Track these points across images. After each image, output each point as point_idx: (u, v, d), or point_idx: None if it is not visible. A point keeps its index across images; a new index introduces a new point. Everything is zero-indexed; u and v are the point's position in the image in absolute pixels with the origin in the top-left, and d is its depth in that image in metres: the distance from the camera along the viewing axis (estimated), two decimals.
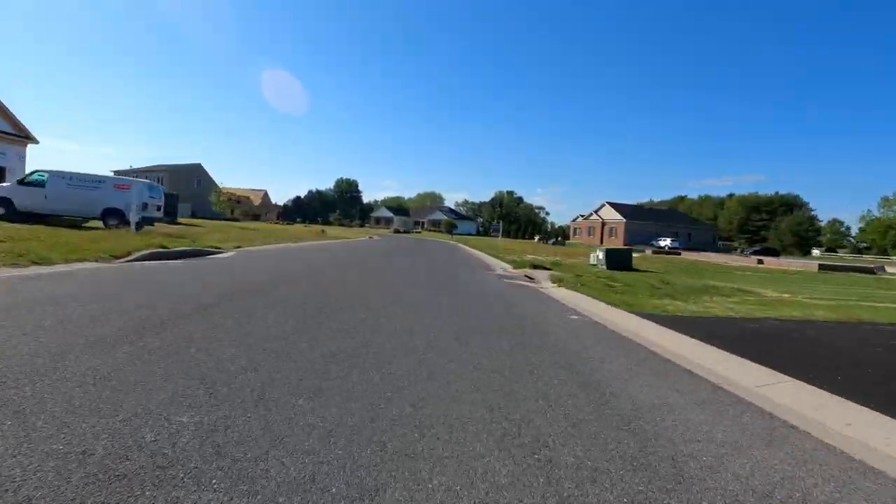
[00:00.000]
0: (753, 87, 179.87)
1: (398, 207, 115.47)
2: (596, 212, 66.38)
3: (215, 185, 61.31)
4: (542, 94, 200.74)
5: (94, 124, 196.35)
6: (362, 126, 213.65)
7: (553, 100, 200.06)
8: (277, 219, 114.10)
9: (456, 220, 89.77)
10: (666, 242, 55.49)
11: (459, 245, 37.51)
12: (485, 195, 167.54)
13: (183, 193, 52.38)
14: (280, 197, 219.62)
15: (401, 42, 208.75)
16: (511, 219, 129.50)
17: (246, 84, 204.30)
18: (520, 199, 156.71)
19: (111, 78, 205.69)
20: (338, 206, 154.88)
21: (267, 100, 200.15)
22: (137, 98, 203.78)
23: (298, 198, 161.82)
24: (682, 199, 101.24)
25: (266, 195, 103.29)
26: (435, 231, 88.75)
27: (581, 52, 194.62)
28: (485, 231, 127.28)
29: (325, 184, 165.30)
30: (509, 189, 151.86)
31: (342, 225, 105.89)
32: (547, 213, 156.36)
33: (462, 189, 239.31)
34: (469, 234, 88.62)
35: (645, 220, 62.42)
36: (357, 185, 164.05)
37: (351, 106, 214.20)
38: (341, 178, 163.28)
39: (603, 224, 63.80)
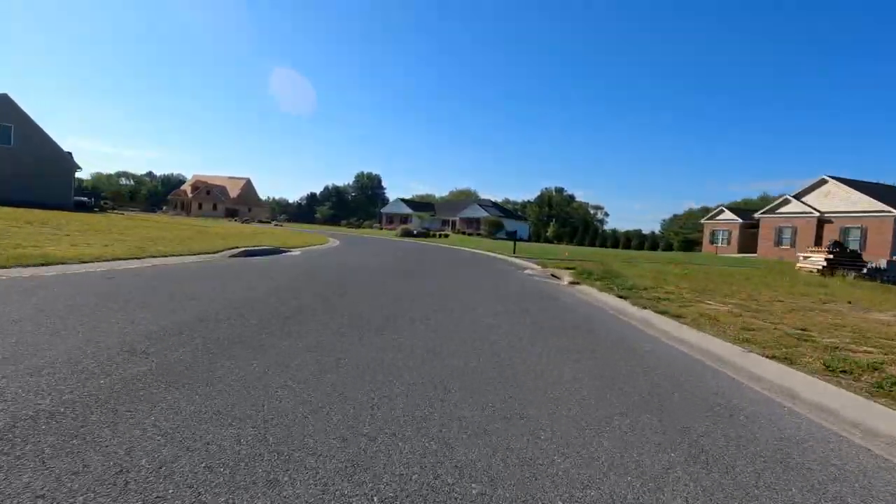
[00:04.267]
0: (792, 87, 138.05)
1: (420, 202, 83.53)
2: (798, 198, 32.66)
3: (47, 139, 29.35)
4: (567, 97, 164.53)
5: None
6: (390, 125, 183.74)
7: (577, 103, 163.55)
8: (275, 216, 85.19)
9: (502, 218, 57.53)
10: None
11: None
12: (526, 195, 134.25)
13: None
14: (296, 194, 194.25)
15: (435, 42, 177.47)
16: (562, 220, 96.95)
17: (257, 83, 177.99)
18: (571, 198, 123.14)
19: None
20: (358, 203, 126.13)
21: (278, 101, 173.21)
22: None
23: (313, 194, 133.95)
24: None
25: (248, 184, 73.90)
26: (472, 235, 56.53)
27: (608, 54, 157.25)
28: (536, 235, 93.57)
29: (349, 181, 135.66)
30: (557, 186, 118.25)
31: (349, 225, 75.32)
32: (606, 214, 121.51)
33: (500, 190, 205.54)
34: (521, 240, 55.95)
35: None
36: (380, 181, 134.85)
37: (377, 105, 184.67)
38: (362, 173, 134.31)
39: (820, 222, 30.31)
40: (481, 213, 63.26)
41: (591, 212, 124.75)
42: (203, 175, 74.55)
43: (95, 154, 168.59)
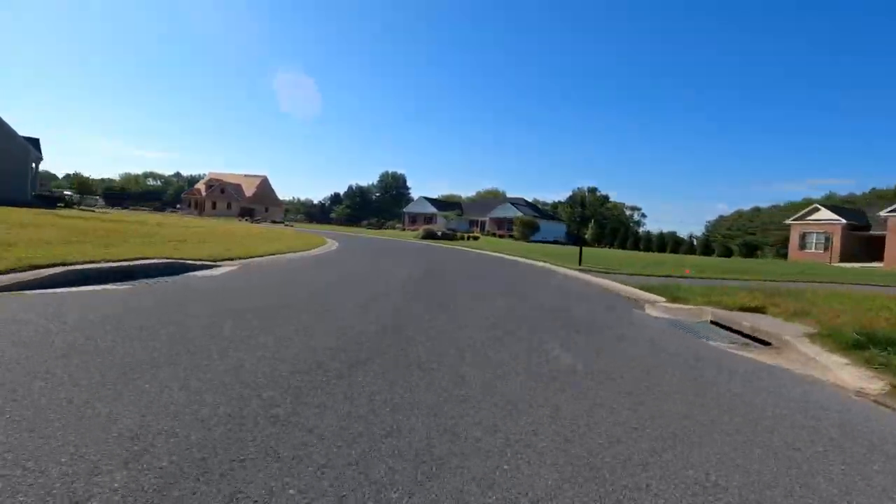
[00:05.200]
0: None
1: (446, 201, 77.20)
2: None
3: None
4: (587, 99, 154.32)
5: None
6: (415, 126, 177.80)
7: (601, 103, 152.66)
8: (295, 215, 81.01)
9: (537, 219, 50.85)
10: None
11: None
12: (552, 196, 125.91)
13: None
14: (321, 194, 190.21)
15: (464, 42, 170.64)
16: (599, 222, 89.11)
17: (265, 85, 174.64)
18: (605, 198, 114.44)
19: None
20: (382, 203, 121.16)
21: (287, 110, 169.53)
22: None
23: (337, 194, 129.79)
24: None
25: (265, 182, 69.43)
26: (504, 236, 49.98)
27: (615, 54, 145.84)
28: (576, 237, 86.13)
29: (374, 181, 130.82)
30: (591, 186, 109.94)
31: (370, 225, 69.90)
32: (643, 215, 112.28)
33: (527, 190, 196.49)
34: (558, 242, 49.08)
35: None
36: (405, 181, 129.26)
37: (400, 106, 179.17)
38: (386, 172, 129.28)
39: None
40: (514, 213, 56.49)
41: (627, 213, 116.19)
42: (218, 173, 70.49)
43: (129, 156, 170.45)
